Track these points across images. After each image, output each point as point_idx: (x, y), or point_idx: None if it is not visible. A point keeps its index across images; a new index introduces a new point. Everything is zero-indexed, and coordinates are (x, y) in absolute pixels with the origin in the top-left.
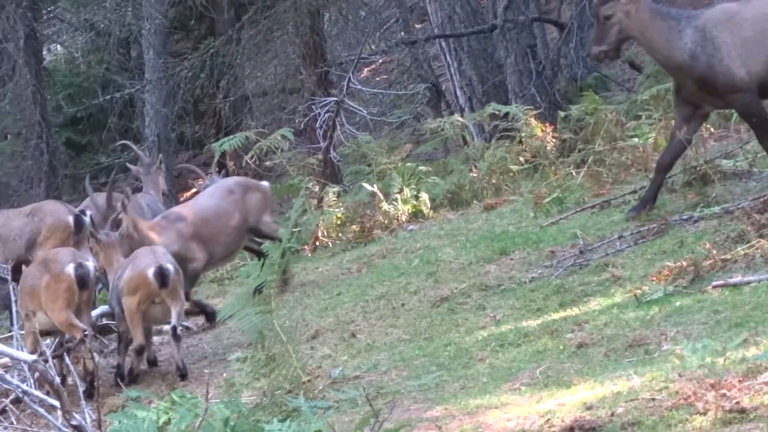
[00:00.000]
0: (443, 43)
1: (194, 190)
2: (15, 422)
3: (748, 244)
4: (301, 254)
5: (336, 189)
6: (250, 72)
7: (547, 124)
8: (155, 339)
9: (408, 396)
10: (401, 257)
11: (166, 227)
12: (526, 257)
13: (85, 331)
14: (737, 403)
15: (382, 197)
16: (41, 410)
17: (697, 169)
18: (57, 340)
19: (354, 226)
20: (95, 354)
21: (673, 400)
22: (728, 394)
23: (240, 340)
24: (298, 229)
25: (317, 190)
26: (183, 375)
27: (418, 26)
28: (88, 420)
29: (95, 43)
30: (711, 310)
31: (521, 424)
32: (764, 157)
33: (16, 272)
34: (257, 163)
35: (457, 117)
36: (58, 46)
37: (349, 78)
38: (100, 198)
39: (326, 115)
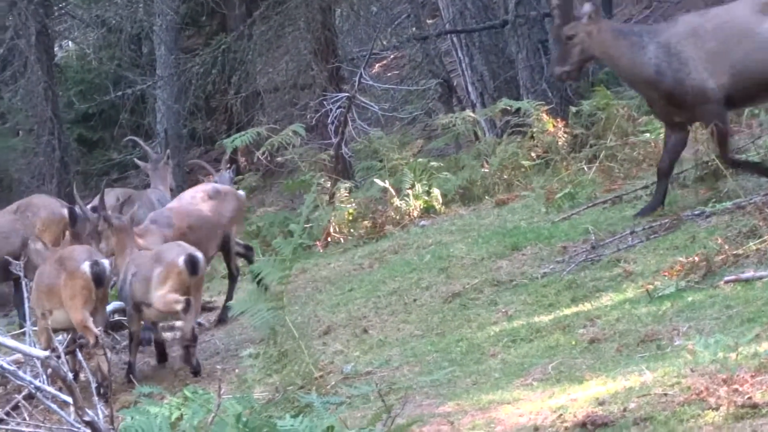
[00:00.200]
0: (455, 39)
1: None
2: (27, 418)
3: (760, 240)
4: (312, 250)
5: (347, 185)
6: (261, 68)
7: (558, 120)
8: (167, 335)
9: (420, 391)
10: (413, 253)
11: (154, 233)
12: (538, 253)
13: (98, 336)
14: (749, 398)
15: (393, 193)
16: (54, 406)
17: (709, 164)
18: (69, 336)
19: (366, 222)
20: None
21: (686, 396)
22: (740, 389)
23: (252, 336)
24: (310, 225)
25: (329, 185)
26: (196, 372)
27: (429, 22)
28: (101, 416)
29: (107, 39)
30: (723, 305)
31: (533, 419)
32: None
33: (5, 271)
34: (269, 158)
35: (468, 112)
36: (70, 42)
37: (361, 74)
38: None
39: (338, 110)
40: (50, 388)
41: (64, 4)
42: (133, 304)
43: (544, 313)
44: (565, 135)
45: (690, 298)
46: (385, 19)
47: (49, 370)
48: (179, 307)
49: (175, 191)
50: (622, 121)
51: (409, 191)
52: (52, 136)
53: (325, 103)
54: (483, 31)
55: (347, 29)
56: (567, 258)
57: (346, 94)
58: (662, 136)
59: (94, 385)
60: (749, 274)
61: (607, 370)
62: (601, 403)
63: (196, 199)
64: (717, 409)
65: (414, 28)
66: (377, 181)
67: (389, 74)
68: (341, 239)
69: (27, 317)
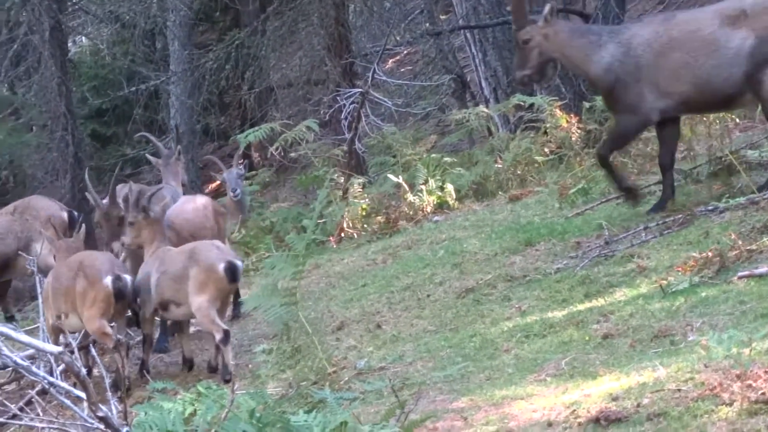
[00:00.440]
0: (468, 34)
1: (218, 182)
2: (41, 413)
3: None
4: (326, 245)
5: (361, 180)
6: (275, 63)
7: (572, 115)
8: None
9: (433, 387)
10: (426, 248)
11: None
12: (551, 248)
13: (118, 340)
14: (763, 393)
15: (407, 188)
16: (67, 402)
17: (723, 159)
18: (83, 331)
19: (379, 218)
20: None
21: (699, 391)
22: (754, 384)
23: (265, 331)
24: (323, 220)
25: (342, 181)
26: (213, 369)
27: (442, 17)
28: (114, 411)
29: (120, 34)
30: (737, 300)
31: (547, 415)
32: None
33: (4, 270)
34: (282, 154)
35: (482, 108)
36: (84, 38)
37: (374, 69)
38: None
39: (351, 106)
40: (64, 384)
41: None
42: (159, 302)
43: (557, 308)
44: (579, 130)
45: (703, 294)
46: (399, 15)
47: (62, 366)
48: (218, 336)
49: (188, 187)
50: None
51: (423, 187)
52: (65, 131)
53: (338, 98)
54: (496, 27)
55: (361, 25)
56: (580, 253)
57: (360, 90)
58: None
59: (107, 381)
60: (763, 269)
61: (621, 365)
62: (615, 399)
63: (189, 205)
64: (730, 404)
65: (427, 24)
66: (390, 176)
67: (403, 70)
68: (354, 235)
69: (41, 313)
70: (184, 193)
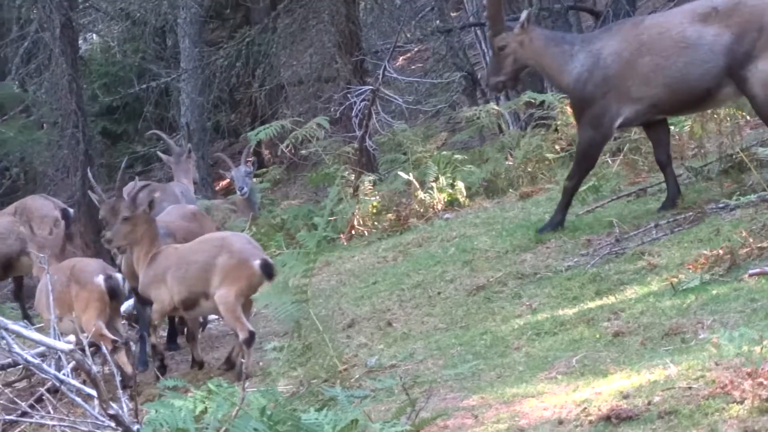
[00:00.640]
0: (479, 32)
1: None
2: (52, 411)
3: None
4: (336, 243)
5: (372, 177)
6: (285, 61)
7: None
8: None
9: (444, 385)
10: (437, 246)
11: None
12: (562, 246)
13: (115, 341)
14: None
15: (417, 186)
16: (78, 399)
17: (733, 157)
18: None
19: (390, 215)
20: (132, 343)
21: (710, 389)
22: (765, 382)
23: (276, 329)
24: (334, 217)
25: (353, 178)
26: (232, 365)
27: (453, 14)
28: (125, 409)
29: (131, 32)
30: (748, 298)
31: (558, 413)
32: None
33: (7, 270)
34: (293, 151)
35: (492, 105)
36: (94, 35)
37: (385, 66)
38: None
39: (362, 103)
40: (74, 382)
41: None
42: (185, 298)
43: (568, 306)
44: None
45: (714, 291)
46: (409, 12)
47: (73, 363)
48: (242, 336)
49: (199, 184)
50: None
51: (433, 184)
52: (76, 128)
53: (349, 95)
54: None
55: (371, 22)
56: (591, 251)
57: (370, 87)
58: (687, 128)
59: (118, 379)
60: None
61: (632, 363)
62: (626, 397)
63: (186, 213)
64: (742, 402)
65: (438, 21)
66: (401, 173)
67: (413, 67)
68: (365, 232)
69: (52, 309)
70: (195, 191)
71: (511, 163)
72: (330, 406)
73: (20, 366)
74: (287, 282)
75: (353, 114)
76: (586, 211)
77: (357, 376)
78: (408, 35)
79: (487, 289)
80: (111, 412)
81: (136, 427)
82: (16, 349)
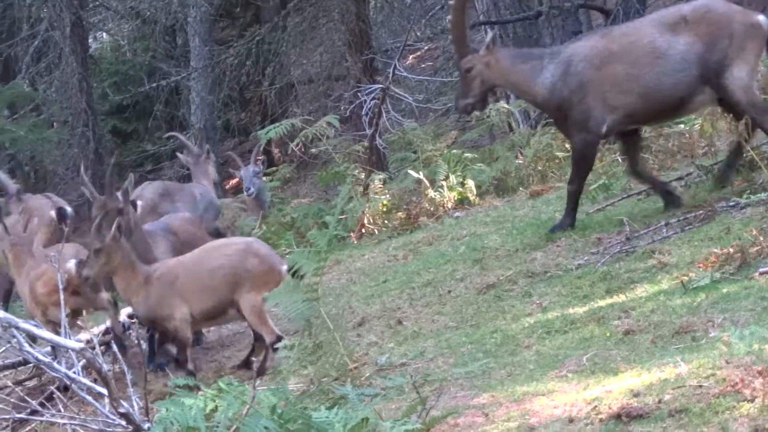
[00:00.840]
0: (489, 30)
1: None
2: (62, 409)
3: None
4: (347, 241)
5: (382, 176)
6: (295, 59)
7: None
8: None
9: (455, 383)
10: (447, 244)
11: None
12: (572, 244)
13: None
14: None
15: (427, 184)
16: (89, 398)
17: (744, 155)
18: (105, 327)
19: (400, 213)
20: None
21: (721, 387)
22: None
23: (287, 327)
24: (344, 216)
25: (363, 177)
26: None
27: None
28: (136, 407)
29: (141, 30)
30: (758, 296)
31: (568, 411)
32: None
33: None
34: (303, 150)
35: (502, 104)
36: (104, 34)
37: (395, 65)
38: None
39: (372, 102)
40: (85, 380)
41: None
42: (211, 308)
43: (578, 304)
44: None
45: (725, 290)
46: (419, 11)
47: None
48: (270, 339)
49: (218, 184)
50: None
51: (444, 182)
52: (86, 127)
53: (359, 94)
54: (517, 23)
55: (381, 21)
56: (601, 249)
57: (381, 86)
58: (697, 126)
59: (129, 377)
60: None
61: (642, 361)
62: (636, 395)
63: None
64: (752, 401)
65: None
66: (411, 172)
67: (423, 65)
68: (375, 230)
69: (62, 308)
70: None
71: (521, 161)
72: (340, 405)
73: (31, 364)
74: (298, 280)
75: (363, 112)
76: (596, 209)
77: (367, 375)
78: (418, 33)
79: (497, 288)
80: (122, 410)
81: (146, 425)
82: (27, 347)
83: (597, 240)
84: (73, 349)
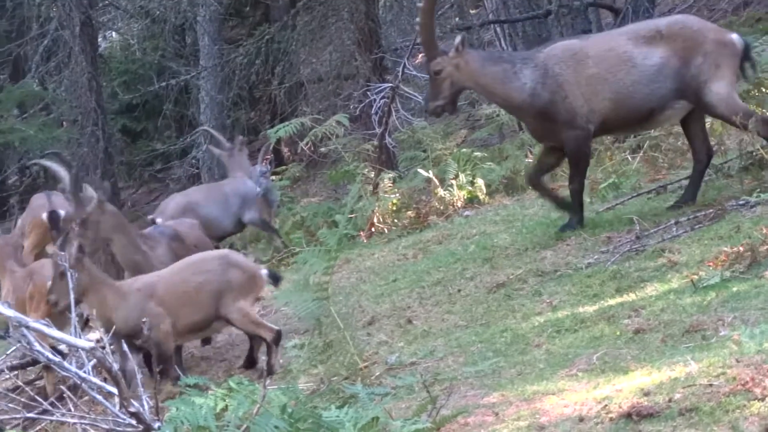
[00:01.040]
0: (498, 29)
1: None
2: (73, 409)
3: None
4: (357, 240)
5: (391, 175)
6: (305, 58)
7: None
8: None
9: (465, 382)
10: (457, 243)
11: (159, 241)
12: (582, 243)
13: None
14: None
15: (437, 183)
16: (99, 397)
17: (754, 154)
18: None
19: (409, 212)
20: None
21: (731, 386)
22: None
23: (297, 326)
24: (354, 215)
25: (373, 176)
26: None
27: (473, 12)
28: (146, 407)
29: (150, 29)
30: None
31: (578, 410)
32: None
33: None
34: (312, 149)
35: None
36: (114, 33)
37: (404, 64)
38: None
39: (381, 101)
40: (95, 379)
41: None
42: (197, 321)
43: (588, 303)
44: None
45: (735, 288)
46: None
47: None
48: (270, 336)
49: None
50: None
51: (453, 181)
52: (96, 126)
53: (368, 93)
54: (526, 21)
55: (390, 19)
56: (611, 248)
57: (390, 85)
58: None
59: (139, 377)
60: None
61: (652, 360)
62: (646, 394)
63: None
64: (762, 399)
65: (457, 18)
66: (421, 171)
67: None
68: (385, 229)
69: (72, 308)
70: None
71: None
72: (351, 404)
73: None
74: (308, 279)
75: (373, 111)
76: (606, 208)
77: (377, 374)
78: None
79: (507, 287)
80: (132, 409)
81: (157, 424)
82: (38, 346)
83: (607, 239)
84: (83, 348)
